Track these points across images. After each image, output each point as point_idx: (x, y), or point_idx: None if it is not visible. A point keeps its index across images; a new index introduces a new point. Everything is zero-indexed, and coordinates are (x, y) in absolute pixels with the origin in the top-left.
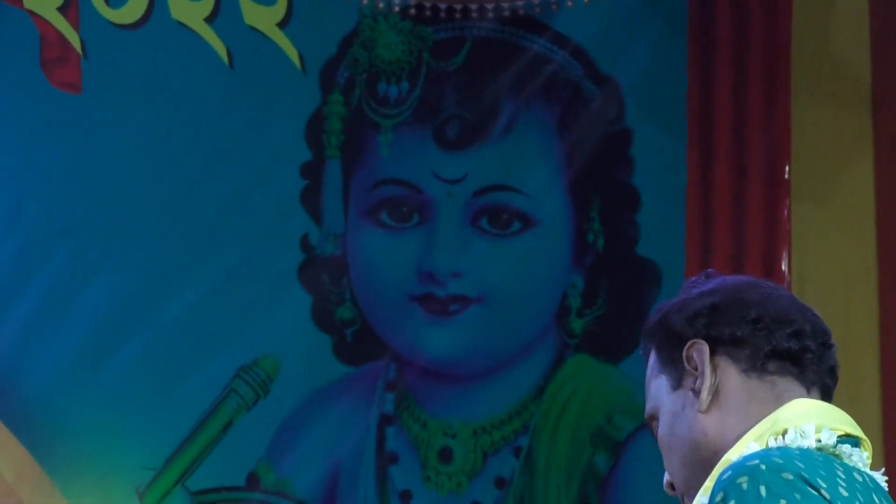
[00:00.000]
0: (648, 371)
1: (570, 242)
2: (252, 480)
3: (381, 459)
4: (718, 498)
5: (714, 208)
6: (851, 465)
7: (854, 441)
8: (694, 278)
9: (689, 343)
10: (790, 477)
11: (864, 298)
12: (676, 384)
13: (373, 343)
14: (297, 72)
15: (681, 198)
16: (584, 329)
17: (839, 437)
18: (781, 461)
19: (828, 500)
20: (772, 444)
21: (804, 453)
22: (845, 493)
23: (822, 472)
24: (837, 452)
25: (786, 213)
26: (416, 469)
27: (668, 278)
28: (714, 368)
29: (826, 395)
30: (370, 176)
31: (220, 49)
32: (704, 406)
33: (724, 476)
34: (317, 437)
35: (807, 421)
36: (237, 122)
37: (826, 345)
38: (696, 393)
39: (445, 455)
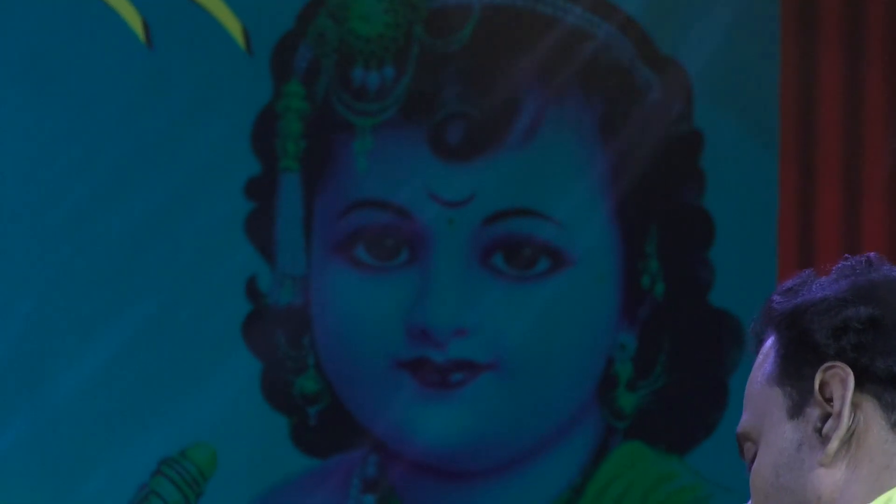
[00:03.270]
0: (757, 368)
1: (617, 288)
2: None
3: None
4: None
5: (817, 240)
6: None
7: None
8: (851, 261)
9: (829, 365)
10: None
11: None
12: (796, 411)
13: (345, 426)
14: (239, 52)
15: (771, 226)
16: (637, 407)
17: None
18: None
19: None
20: None
21: None
22: None
23: None
24: None
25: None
26: None
27: (752, 326)
28: (854, 409)
29: None
30: (342, 196)
31: (135, 22)
32: (829, 459)
33: None
34: None
35: None
36: (157, 122)
37: None
38: (823, 437)
39: None
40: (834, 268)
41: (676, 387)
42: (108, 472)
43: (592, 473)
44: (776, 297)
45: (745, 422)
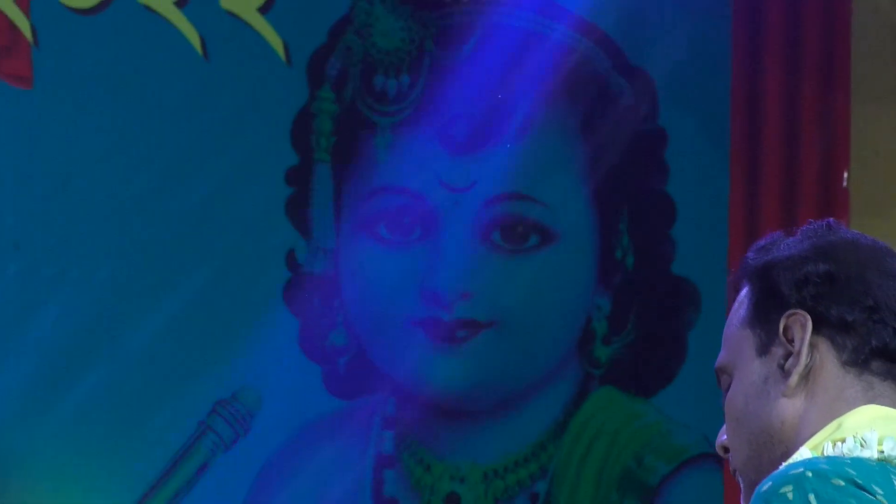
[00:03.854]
0: (734, 313)
1: (595, 259)
2: None
3: None
4: None
5: (761, 221)
6: None
7: None
8: (813, 225)
9: (791, 311)
10: (841, 483)
11: None
12: (764, 350)
13: (369, 373)
14: (280, 63)
15: (723, 209)
16: (610, 358)
17: None
18: (829, 467)
19: None
20: (828, 451)
21: (856, 461)
22: None
23: (878, 479)
24: None
25: (844, 224)
26: None
27: (708, 300)
28: (812, 349)
29: None
30: (366, 183)
31: (193, 38)
32: (790, 391)
33: (764, 487)
34: (305, 481)
35: (871, 430)
36: (212, 121)
37: None
38: (785, 372)
39: (452, 501)
40: (799, 230)
41: (643, 341)
42: (172, 411)
43: (573, 413)
44: (751, 255)
45: (722, 358)
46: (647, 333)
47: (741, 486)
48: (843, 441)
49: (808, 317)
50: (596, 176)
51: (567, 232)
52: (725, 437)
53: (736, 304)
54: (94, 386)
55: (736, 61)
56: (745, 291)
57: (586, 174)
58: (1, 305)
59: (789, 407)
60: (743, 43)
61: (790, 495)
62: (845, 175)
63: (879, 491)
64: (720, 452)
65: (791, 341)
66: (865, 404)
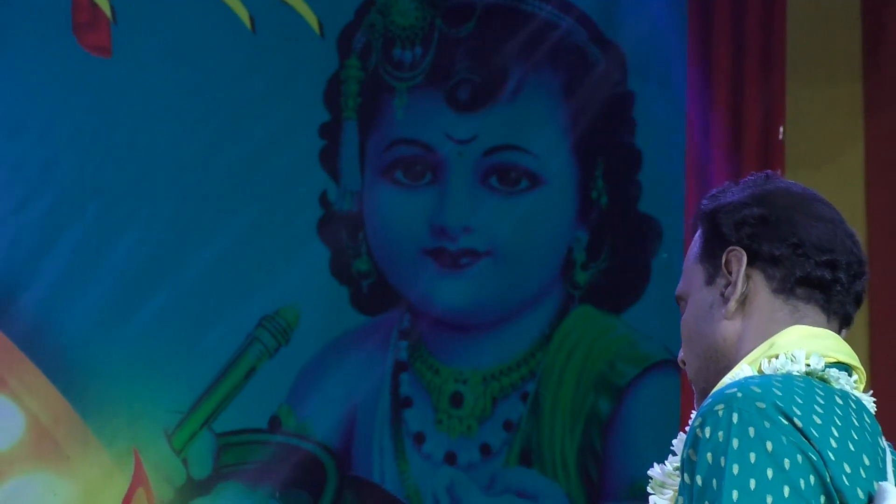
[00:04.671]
0: (690, 250)
1: (575, 200)
2: (274, 423)
3: (395, 403)
4: (697, 423)
5: (712, 168)
6: (839, 387)
7: (846, 367)
8: (755, 176)
9: (731, 248)
10: (763, 406)
11: None
12: (710, 280)
13: (388, 294)
14: (315, 37)
15: (680, 158)
16: (587, 281)
17: (829, 363)
18: (759, 390)
19: (799, 429)
20: (765, 366)
21: (785, 381)
22: (819, 421)
23: (799, 401)
24: (825, 377)
25: (780, 174)
26: (428, 413)
27: (668, 233)
28: (747, 279)
29: (846, 322)
30: (385, 136)
31: (244, 15)
32: (730, 314)
33: (706, 403)
34: (335, 383)
35: (799, 347)
36: (259, 85)
37: (857, 275)
38: (725, 299)
39: (456, 400)
40: (742, 180)
41: (615, 267)
42: (225, 325)
43: (557, 326)
44: (704, 201)
45: (680, 287)
46: (618, 261)
47: (695, 392)
48: (777, 357)
49: (744, 253)
50: (576, 130)
51: (552, 177)
52: (683, 352)
53: (693, 243)
54: (160, 305)
55: (691, 36)
56: (698, 232)
57: (568, 129)
58: (83, 239)
59: (730, 327)
60: (697, 21)
61: (720, 413)
62: (781, 130)
63: (798, 413)
64: (680, 364)
65: (730, 273)
66: (793, 324)
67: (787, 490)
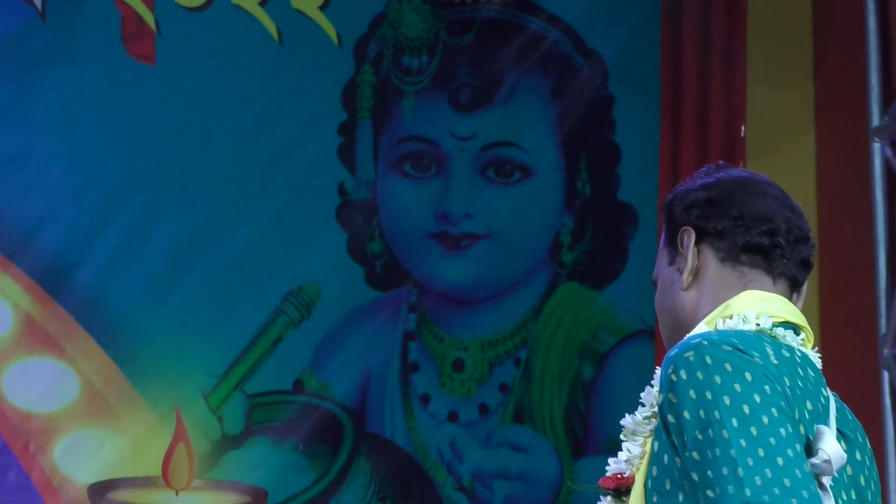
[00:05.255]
0: (660, 238)
1: (562, 189)
2: (298, 385)
3: (404, 368)
4: (669, 370)
5: (682, 161)
6: (785, 343)
7: (792, 326)
8: (707, 167)
9: (682, 229)
10: (728, 348)
11: None
12: (672, 260)
13: (398, 272)
14: (334, 47)
15: (654, 153)
16: (573, 261)
17: (777, 322)
18: (719, 338)
19: (761, 363)
20: (720, 326)
21: (738, 334)
22: (775, 361)
23: (754, 345)
24: (773, 334)
25: (741, 165)
26: (433, 376)
27: (644, 219)
28: (697, 254)
29: (795, 285)
30: (396, 134)
31: (271, 28)
32: (685, 285)
33: (672, 353)
34: (351, 350)
35: (751, 309)
36: (285, 89)
37: (799, 240)
38: (681, 273)
39: (458, 365)
40: (697, 172)
41: (597, 249)
42: (255, 299)
43: (546, 301)
44: (668, 195)
45: (655, 269)
46: (600, 243)
47: None
48: (731, 318)
49: (693, 230)
50: (562, 129)
51: (542, 170)
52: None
53: (661, 235)
54: (198, 281)
55: (664, 46)
56: (664, 224)
57: (555, 127)
58: (131, 224)
59: (687, 297)
60: (669, 32)
61: (691, 358)
62: (742, 129)
63: (756, 354)
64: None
65: (684, 249)
66: (742, 289)
67: (774, 411)
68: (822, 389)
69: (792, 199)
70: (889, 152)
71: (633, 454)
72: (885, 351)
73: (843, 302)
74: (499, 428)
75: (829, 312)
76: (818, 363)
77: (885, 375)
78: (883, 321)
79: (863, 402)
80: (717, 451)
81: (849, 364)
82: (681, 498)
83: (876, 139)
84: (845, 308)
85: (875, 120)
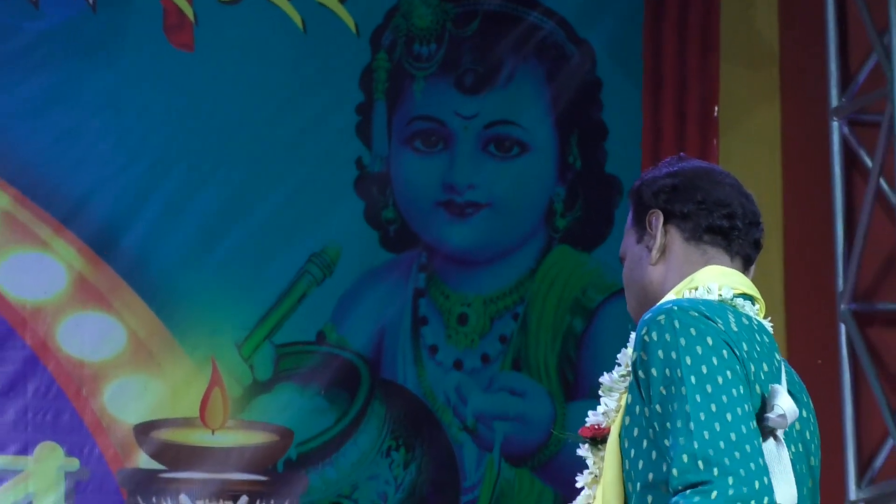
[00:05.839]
0: (628, 218)
1: (555, 163)
2: (320, 337)
3: (415, 322)
4: (643, 331)
5: (662, 138)
6: (744, 312)
7: (749, 297)
8: (670, 158)
9: (650, 211)
10: (695, 314)
11: (771, 202)
12: (639, 239)
13: (409, 237)
14: (353, 36)
15: (638, 130)
16: (565, 227)
17: (736, 293)
18: (687, 304)
19: (723, 329)
20: (686, 296)
21: (704, 302)
22: (735, 328)
23: (718, 313)
24: (733, 303)
25: (715, 142)
26: (440, 329)
27: (628, 189)
28: (664, 234)
29: (748, 262)
30: (407, 113)
31: (297, 19)
32: (654, 261)
33: (647, 316)
34: (368, 306)
35: (713, 281)
36: (308, 73)
37: (752, 224)
38: (649, 250)
39: (463, 319)
40: (661, 162)
41: (587, 216)
42: (282, 260)
43: (541, 262)
44: (636, 181)
45: (621, 249)
46: (589, 211)
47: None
48: (696, 289)
49: (661, 213)
50: (556, 109)
51: (537, 145)
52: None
53: (628, 216)
54: (232, 244)
55: (646, 35)
56: (631, 206)
57: (550, 108)
58: (173, 193)
59: (655, 272)
60: (650, 23)
61: (662, 321)
62: (716, 109)
63: (719, 320)
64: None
65: (652, 229)
66: (704, 265)
67: (728, 373)
68: (776, 354)
69: (745, 188)
70: (846, 130)
71: (609, 408)
72: (843, 306)
73: (806, 262)
74: (499, 375)
75: (793, 272)
76: (770, 330)
77: (843, 328)
78: (840, 280)
79: (824, 351)
80: (675, 406)
81: (811, 318)
82: (645, 444)
83: (835, 118)
84: (808, 268)
85: (834, 101)
